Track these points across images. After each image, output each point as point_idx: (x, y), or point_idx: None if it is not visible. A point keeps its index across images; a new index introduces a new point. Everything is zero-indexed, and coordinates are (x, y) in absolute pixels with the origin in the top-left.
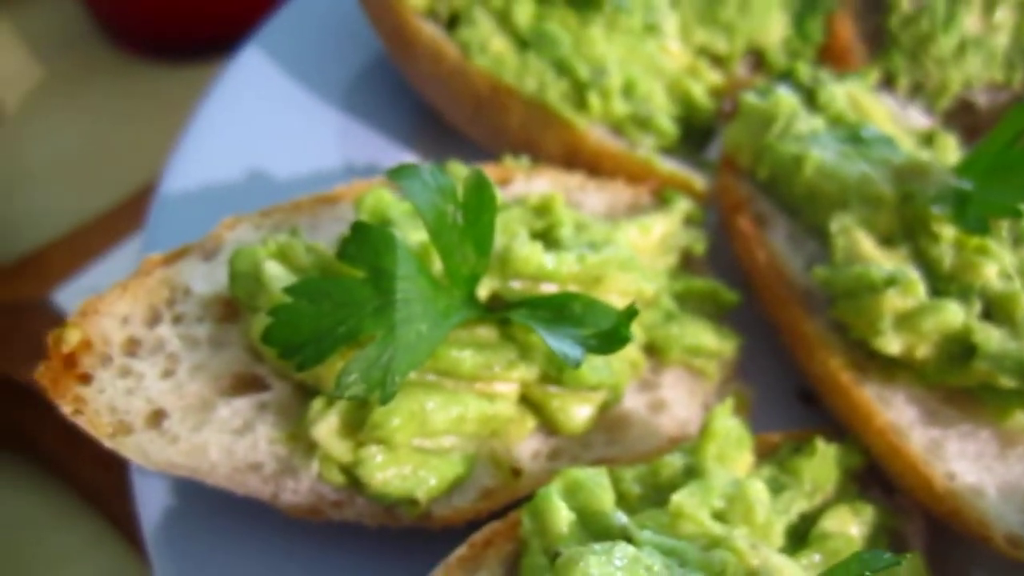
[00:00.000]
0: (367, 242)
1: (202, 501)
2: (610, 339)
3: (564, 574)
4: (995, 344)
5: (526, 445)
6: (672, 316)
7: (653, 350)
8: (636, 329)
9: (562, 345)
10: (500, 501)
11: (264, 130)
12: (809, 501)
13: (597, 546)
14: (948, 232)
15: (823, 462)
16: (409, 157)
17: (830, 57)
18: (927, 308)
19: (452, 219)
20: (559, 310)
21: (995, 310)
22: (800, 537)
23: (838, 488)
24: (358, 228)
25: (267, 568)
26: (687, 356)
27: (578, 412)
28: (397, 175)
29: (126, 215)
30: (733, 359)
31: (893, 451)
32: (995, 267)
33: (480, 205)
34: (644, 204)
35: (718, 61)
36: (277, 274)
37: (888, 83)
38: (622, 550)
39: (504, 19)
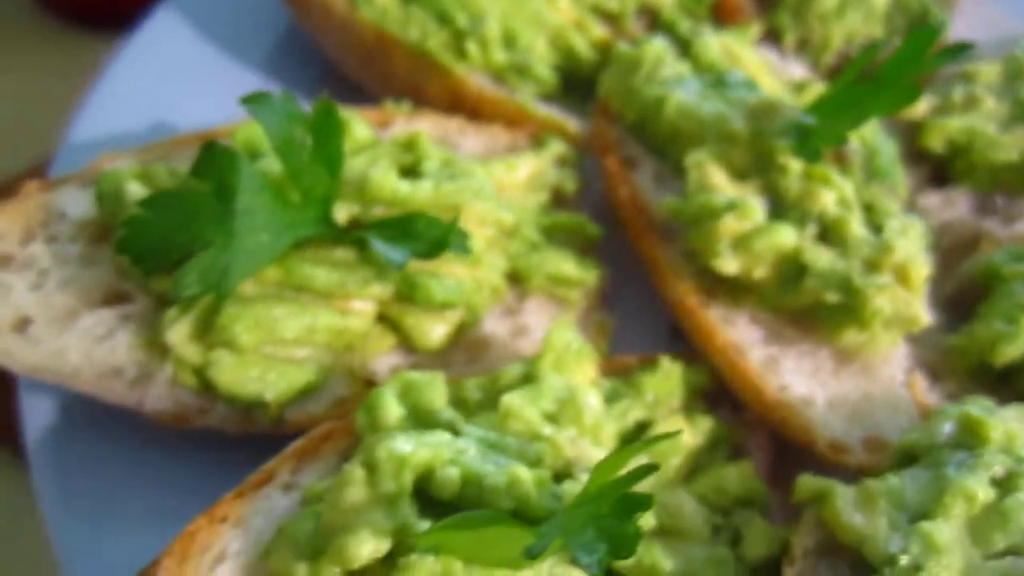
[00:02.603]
0: (214, 159)
1: (85, 415)
2: (436, 246)
3: (372, 450)
4: (823, 263)
5: (384, 360)
6: (536, 247)
7: (517, 279)
8: (498, 257)
9: (387, 251)
10: (352, 410)
11: (170, 88)
12: (650, 412)
13: (412, 432)
14: (794, 165)
15: (666, 377)
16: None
17: (722, 15)
18: (761, 230)
19: (301, 142)
20: (404, 228)
21: (829, 233)
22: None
23: (684, 404)
24: (207, 147)
25: (142, 475)
26: (549, 284)
27: (433, 330)
28: (248, 101)
29: (39, 174)
30: (596, 289)
31: (732, 367)
32: (833, 195)
33: (328, 129)
34: (521, 147)
35: (611, 18)
36: (137, 193)
37: (775, 39)
38: (434, 435)
39: None
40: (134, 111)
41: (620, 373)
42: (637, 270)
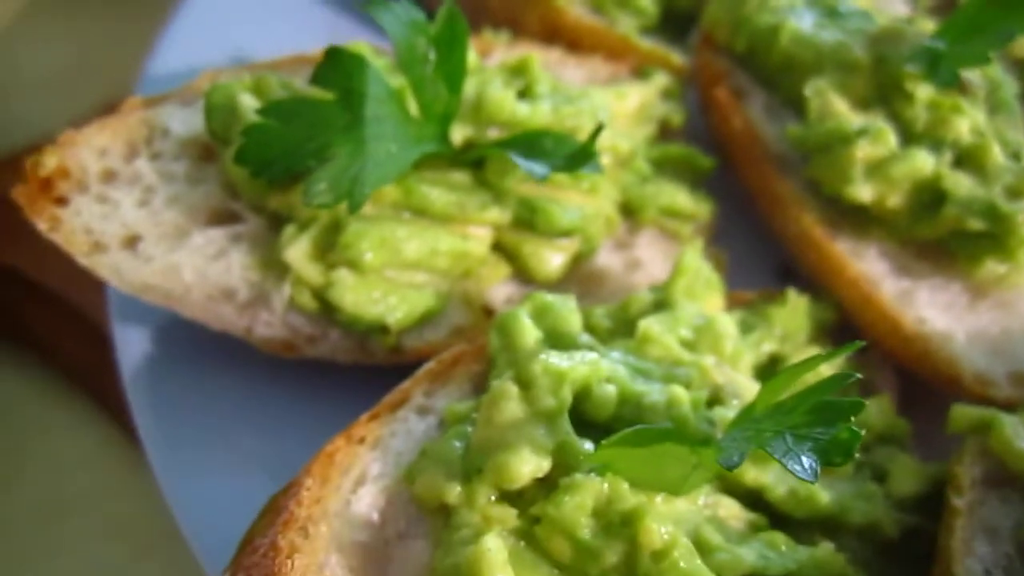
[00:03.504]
0: (339, 65)
1: (181, 350)
2: (577, 157)
3: (526, 365)
4: (964, 189)
5: (500, 290)
6: (648, 178)
7: (629, 211)
8: (611, 187)
9: (530, 164)
10: (471, 338)
11: (250, 22)
12: (780, 345)
13: (561, 352)
14: (922, 92)
15: (794, 311)
16: None
17: None
18: (898, 156)
19: (423, 53)
20: (531, 145)
21: (966, 160)
22: (769, 375)
23: (810, 339)
24: (331, 52)
25: (244, 412)
26: (662, 217)
27: (551, 258)
28: (371, 6)
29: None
30: (708, 224)
31: (864, 299)
32: (967, 122)
33: (452, 39)
34: (623, 79)
35: None
36: (251, 104)
37: None
38: (585, 353)
39: None
40: (211, 44)
41: (741, 306)
42: (737, 205)
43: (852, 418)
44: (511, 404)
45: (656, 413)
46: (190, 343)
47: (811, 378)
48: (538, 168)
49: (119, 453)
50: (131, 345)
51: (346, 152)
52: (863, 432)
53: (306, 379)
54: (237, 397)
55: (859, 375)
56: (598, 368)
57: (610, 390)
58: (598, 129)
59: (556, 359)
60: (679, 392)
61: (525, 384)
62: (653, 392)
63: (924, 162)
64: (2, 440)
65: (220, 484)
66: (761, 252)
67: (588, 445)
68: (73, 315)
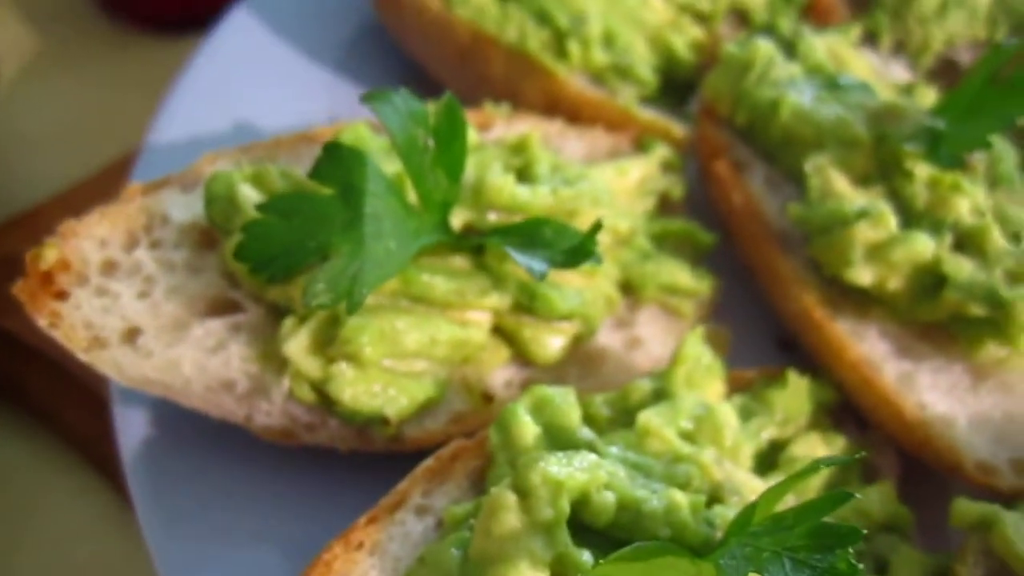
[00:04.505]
0: (339, 160)
1: (181, 432)
2: (576, 253)
3: (525, 473)
4: (965, 274)
5: (499, 374)
6: (648, 255)
7: (629, 289)
8: (611, 266)
9: (529, 260)
10: (471, 426)
11: (251, 87)
12: (780, 430)
13: (559, 453)
14: (922, 171)
15: (795, 393)
16: None
17: (814, 16)
18: (898, 239)
19: (423, 144)
20: (531, 235)
21: (966, 242)
22: (769, 463)
23: (811, 421)
24: (330, 147)
25: (243, 496)
26: (663, 294)
27: (551, 342)
28: (370, 99)
29: (116, 176)
30: (709, 300)
31: (865, 383)
32: (967, 203)
33: (451, 130)
34: (623, 151)
35: (702, 19)
36: (251, 196)
37: (871, 42)
38: (584, 457)
39: None
40: (213, 112)
41: (741, 387)
42: (737, 274)
43: (850, 548)
44: (509, 515)
45: (655, 520)
46: (189, 426)
47: (810, 451)
48: (537, 265)
49: (121, 522)
50: (131, 427)
51: (345, 251)
52: (861, 567)
53: (305, 461)
54: (235, 480)
55: (850, 495)
56: (597, 475)
57: (609, 498)
58: (596, 226)
59: (555, 467)
60: (678, 498)
61: (523, 493)
62: (652, 499)
63: (924, 246)
64: (1, 509)
65: (218, 567)
66: (760, 322)
67: (586, 555)
68: (73, 382)
